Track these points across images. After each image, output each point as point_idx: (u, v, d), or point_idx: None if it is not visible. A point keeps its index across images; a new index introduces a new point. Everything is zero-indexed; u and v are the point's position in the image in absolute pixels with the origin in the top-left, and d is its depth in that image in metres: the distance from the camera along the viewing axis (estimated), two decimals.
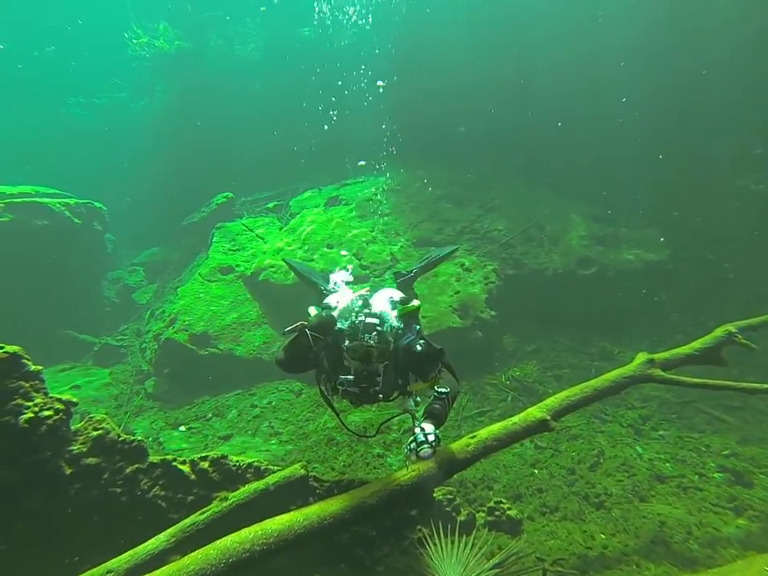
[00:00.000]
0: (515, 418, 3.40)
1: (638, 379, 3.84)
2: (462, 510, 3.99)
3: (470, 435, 3.31)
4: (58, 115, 15.08)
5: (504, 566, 3.46)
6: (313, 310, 3.35)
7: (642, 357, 3.97)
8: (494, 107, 9.43)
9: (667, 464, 5.10)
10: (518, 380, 6.98)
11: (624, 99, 8.65)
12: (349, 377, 2.84)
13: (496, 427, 3.35)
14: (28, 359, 3.07)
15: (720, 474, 4.88)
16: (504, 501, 4.22)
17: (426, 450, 2.55)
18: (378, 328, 2.80)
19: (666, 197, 8.97)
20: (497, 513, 4.10)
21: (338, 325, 2.98)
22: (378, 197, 9.76)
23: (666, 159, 8.67)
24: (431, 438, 2.59)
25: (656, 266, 8.23)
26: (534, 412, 3.43)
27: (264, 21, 12.63)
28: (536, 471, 5.14)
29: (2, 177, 9.57)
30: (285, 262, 5.88)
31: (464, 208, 9.53)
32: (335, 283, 3.89)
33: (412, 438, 2.62)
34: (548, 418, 3.36)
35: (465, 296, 7.44)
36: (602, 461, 5.20)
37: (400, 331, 3.11)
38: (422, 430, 2.63)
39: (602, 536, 4.02)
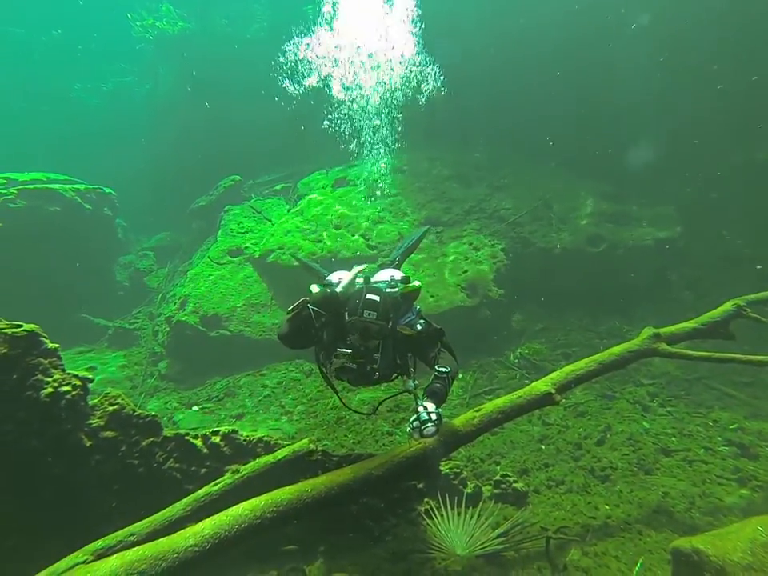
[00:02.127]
0: (520, 392, 3.44)
1: (642, 353, 3.84)
2: (468, 483, 4.07)
3: (476, 408, 3.36)
4: (66, 101, 15.11)
5: (509, 536, 3.55)
6: (315, 288, 3.40)
7: (647, 331, 3.96)
8: (502, 83, 9.23)
9: (673, 438, 5.12)
10: (527, 358, 7.01)
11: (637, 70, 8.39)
12: (347, 350, 2.89)
13: (501, 401, 3.39)
14: (45, 337, 3.18)
15: (726, 448, 4.89)
16: (510, 474, 4.29)
17: (429, 429, 2.58)
18: (378, 305, 2.83)
19: (679, 173, 8.77)
20: (503, 486, 4.17)
21: (341, 300, 3.01)
22: (386, 177, 9.70)
23: (679, 134, 8.44)
24: (434, 416, 2.62)
25: (667, 244, 8.12)
26: (539, 385, 3.46)
27: None
28: (543, 447, 5.20)
29: (15, 164, 9.67)
30: (294, 258, 5.98)
31: (472, 187, 9.45)
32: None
33: (415, 416, 2.65)
34: (553, 391, 3.39)
35: (473, 275, 7.44)
36: (608, 436, 5.24)
37: (400, 310, 3.14)
38: (425, 408, 2.66)
39: (606, 507, 4.08)
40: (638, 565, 3.36)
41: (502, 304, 7.39)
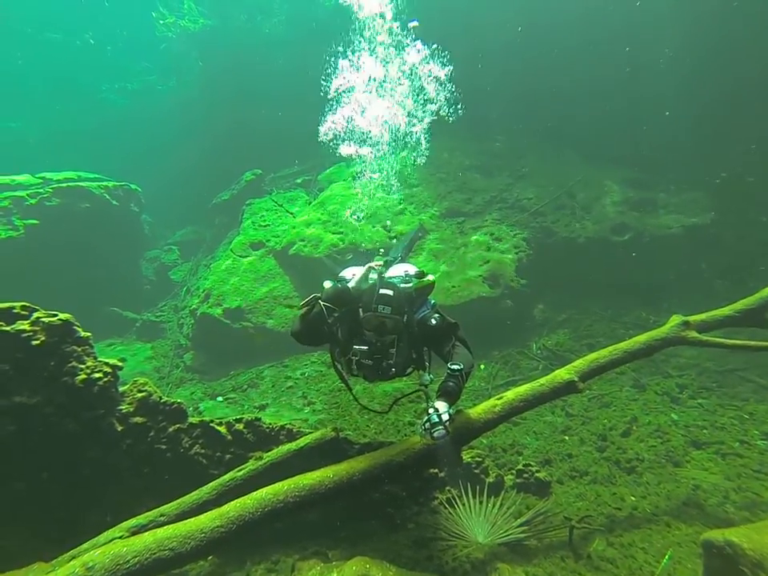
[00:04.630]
0: (542, 380, 3.39)
1: (670, 341, 3.70)
2: (490, 472, 4.05)
3: (497, 396, 3.33)
4: (94, 102, 15.55)
5: (531, 524, 3.52)
6: (328, 284, 3.42)
7: (676, 319, 3.82)
8: (522, 68, 9.03)
9: (705, 431, 4.95)
10: (550, 349, 6.90)
11: (667, 50, 8.05)
12: (362, 347, 2.87)
13: (523, 389, 3.35)
14: (78, 326, 3.30)
15: (764, 442, 4.68)
16: (533, 464, 4.25)
17: (439, 432, 2.58)
18: (393, 300, 2.81)
19: (711, 157, 8.41)
20: (525, 475, 4.13)
21: (353, 296, 3.00)
22: (406, 168, 9.64)
23: (711, 115, 8.08)
24: (444, 417, 2.61)
25: (698, 231, 7.84)
26: (562, 373, 3.40)
27: None
28: (566, 438, 5.12)
29: (49, 165, 10.03)
30: (323, 260, 6.16)
31: (493, 177, 9.33)
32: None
33: (426, 418, 2.64)
34: (576, 379, 3.33)
35: (495, 265, 7.35)
36: (634, 427, 5.11)
37: (414, 304, 3.13)
38: (436, 410, 2.65)
39: (632, 498, 3.98)
40: (667, 557, 3.28)
41: (524, 294, 7.29)
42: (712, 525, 3.57)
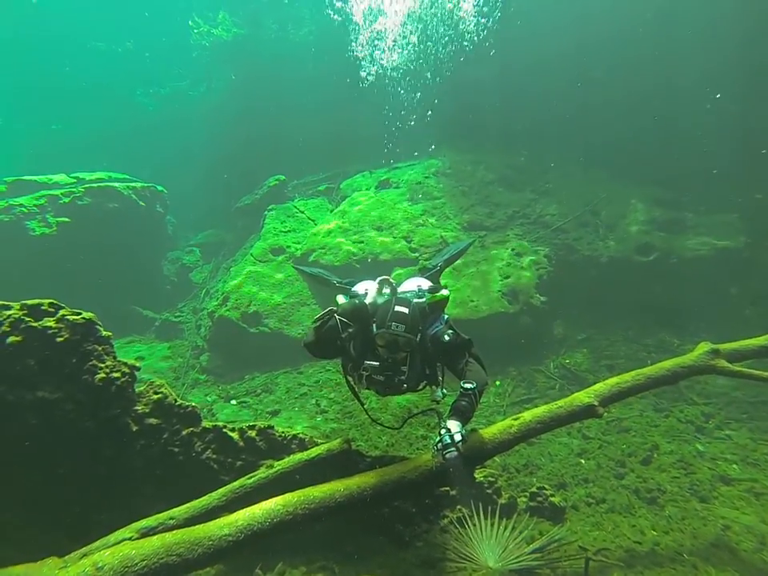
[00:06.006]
0: (561, 402, 3.30)
1: (697, 369, 3.56)
2: (503, 493, 3.95)
3: (514, 417, 3.26)
4: (129, 106, 16.08)
5: (545, 552, 3.40)
6: (341, 298, 3.38)
7: (704, 346, 3.67)
8: (549, 83, 8.97)
9: (734, 466, 4.70)
10: (568, 368, 6.75)
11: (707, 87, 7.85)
12: (374, 363, 2.85)
13: (540, 410, 3.27)
14: (100, 325, 3.36)
15: None
16: (547, 487, 4.13)
17: (451, 453, 2.54)
18: (407, 318, 2.78)
19: (745, 178, 8.15)
20: (539, 498, 4.02)
21: (369, 312, 2.99)
22: (429, 180, 9.65)
23: (745, 135, 7.85)
24: (457, 437, 2.58)
25: (730, 254, 7.57)
26: (581, 397, 3.31)
27: (317, 2, 12.65)
28: (583, 461, 4.97)
29: (85, 165, 10.35)
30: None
31: (516, 192, 9.26)
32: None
33: (438, 438, 2.61)
34: (595, 403, 3.23)
35: (515, 281, 7.25)
36: (655, 456, 4.92)
37: (428, 320, 3.09)
38: (448, 430, 2.61)
39: (654, 532, 3.80)
40: None
41: (544, 312, 7.16)
42: (747, 574, 3.32)
